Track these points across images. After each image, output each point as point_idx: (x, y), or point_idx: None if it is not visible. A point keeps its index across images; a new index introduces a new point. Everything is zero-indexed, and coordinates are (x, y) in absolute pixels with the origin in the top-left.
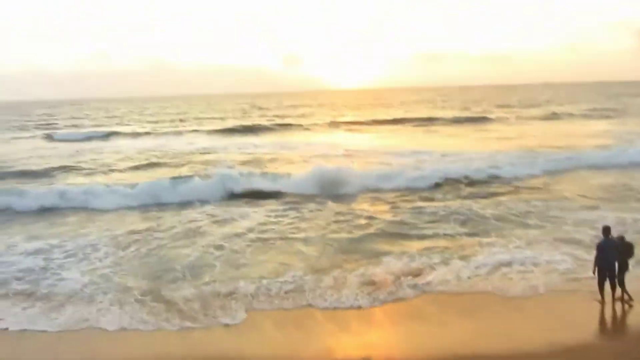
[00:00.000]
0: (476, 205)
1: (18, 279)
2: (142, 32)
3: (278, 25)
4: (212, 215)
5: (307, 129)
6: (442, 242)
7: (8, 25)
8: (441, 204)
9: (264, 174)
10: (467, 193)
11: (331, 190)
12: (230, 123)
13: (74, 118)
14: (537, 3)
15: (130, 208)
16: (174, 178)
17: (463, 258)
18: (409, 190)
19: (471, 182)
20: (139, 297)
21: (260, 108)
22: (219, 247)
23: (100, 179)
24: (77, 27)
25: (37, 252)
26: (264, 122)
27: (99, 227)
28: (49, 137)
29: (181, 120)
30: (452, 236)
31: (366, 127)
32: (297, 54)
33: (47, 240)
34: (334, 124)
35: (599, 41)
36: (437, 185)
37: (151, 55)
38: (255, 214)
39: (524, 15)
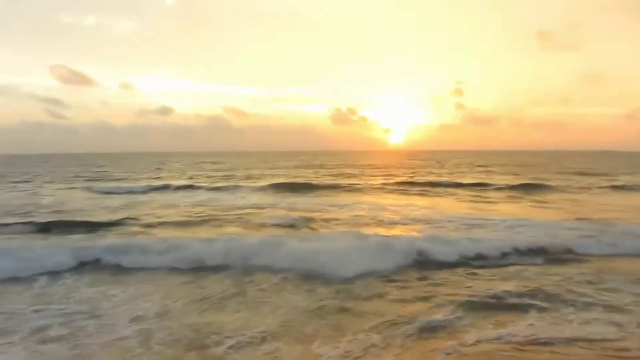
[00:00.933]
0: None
1: None
2: (205, 85)
3: (329, 81)
4: None
5: (359, 189)
6: None
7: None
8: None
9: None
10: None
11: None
12: (288, 179)
13: (126, 171)
14: (593, 67)
15: None
16: None
17: None
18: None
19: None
20: None
21: (317, 166)
22: None
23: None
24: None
25: None
26: (320, 179)
27: None
28: (89, 189)
29: (232, 176)
30: None
31: (418, 189)
32: (349, 112)
33: None
34: (389, 185)
35: None
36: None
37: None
38: None
39: (576, 80)
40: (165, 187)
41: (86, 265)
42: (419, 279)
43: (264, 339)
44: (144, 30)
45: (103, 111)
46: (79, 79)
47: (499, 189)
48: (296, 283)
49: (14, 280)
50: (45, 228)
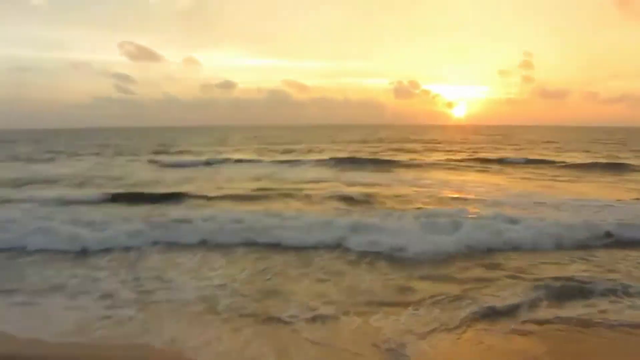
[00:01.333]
0: None
1: None
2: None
3: (391, 54)
4: None
5: (421, 165)
6: None
7: None
8: None
9: None
10: None
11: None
12: (350, 154)
13: (192, 144)
14: None
15: None
16: None
17: None
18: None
19: None
20: None
21: (379, 140)
22: None
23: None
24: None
25: None
26: (382, 155)
27: None
28: (154, 162)
29: (293, 150)
30: None
31: (483, 166)
32: (412, 85)
33: None
34: (458, 161)
35: None
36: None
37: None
38: None
39: None
40: (225, 161)
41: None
42: (489, 259)
43: (326, 310)
44: (207, 6)
45: (168, 86)
46: (145, 55)
47: (570, 166)
48: (368, 261)
49: (89, 248)
50: (115, 199)
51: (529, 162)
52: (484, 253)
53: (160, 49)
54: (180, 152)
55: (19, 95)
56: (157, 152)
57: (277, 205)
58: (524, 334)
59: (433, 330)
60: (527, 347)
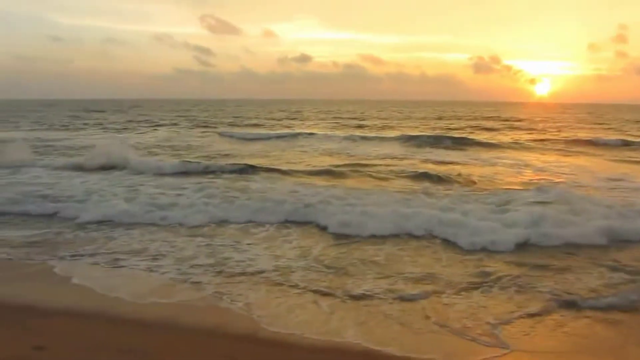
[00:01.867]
0: None
1: None
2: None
3: (470, 27)
4: None
5: (500, 145)
6: None
7: None
8: None
9: None
10: None
11: None
12: (425, 131)
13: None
14: None
15: None
16: None
17: None
18: None
19: None
20: None
21: (457, 117)
22: None
23: None
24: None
25: None
26: (461, 132)
27: None
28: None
29: (367, 126)
30: None
31: (565, 147)
32: (492, 61)
33: None
34: (544, 142)
35: None
36: None
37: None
38: None
39: None
40: (297, 135)
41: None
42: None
43: (405, 289)
44: None
45: (246, 59)
46: (225, 28)
47: None
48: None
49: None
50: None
51: (626, 143)
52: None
53: (240, 23)
54: (256, 125)
55: (105, 65)
56: (233, 125)
57: (353, 183)
58: (610, 322)
59: (518, 316)
60: (611, 335)
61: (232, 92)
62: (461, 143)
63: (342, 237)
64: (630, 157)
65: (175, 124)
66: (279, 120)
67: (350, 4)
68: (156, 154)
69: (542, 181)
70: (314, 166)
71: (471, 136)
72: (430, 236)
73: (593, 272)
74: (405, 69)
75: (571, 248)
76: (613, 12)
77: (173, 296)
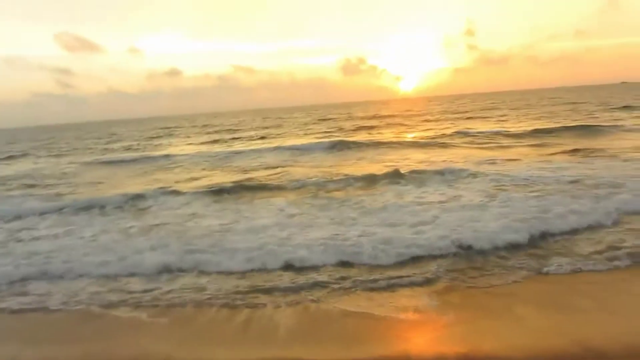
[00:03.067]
0: None
1: None
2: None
3: (337, 31)
4: None
5: (388, 143)
6: None
7: None
8: None
9: None
10: None
11: None
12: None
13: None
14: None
15: None
16: None
17: None
18: None
19: None
20: None
21: (338, 119)
22: None
23: None
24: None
25: None
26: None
27: None
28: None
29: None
30: None
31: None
32: (359, 62)
33: None
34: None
35: None
36: None
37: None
38: None
39: (591, 11)
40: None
41: None
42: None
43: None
44: None
45: (112, 78)
46: (85, 46)
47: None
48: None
49: None
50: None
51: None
52: None
53: (101, 40)
54: (127, 148)
55: None
56: (95, 150)
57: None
58: None
59: None
60: None
61: (100, 113)
62: (349, 146)
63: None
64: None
65: (32, 155)
66: (150, 139)
67: (218, 14)
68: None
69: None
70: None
71: (355, 137)
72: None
73: None
74: (277, 77)
75: None
76: (461, 7)
77: None
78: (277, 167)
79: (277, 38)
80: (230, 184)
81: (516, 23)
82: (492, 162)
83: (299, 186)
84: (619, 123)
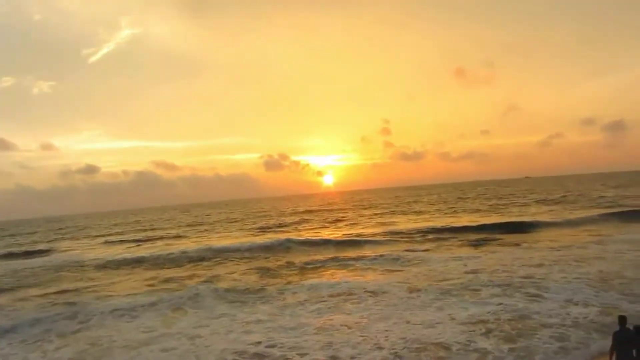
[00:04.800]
0: None
1: None
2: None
3: (258, 130)
4: None
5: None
6: None
7: None
8: None
9: None
10: None
11: None
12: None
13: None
14: (507, 101)
15: None
16: None
17: None
18: None
19: None
20: None
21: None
22: None
23: None
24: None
25: None
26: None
27: None
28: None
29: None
30: None
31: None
32: (281, 158)
33: None
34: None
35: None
36: None
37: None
38: None
39: (494, 113)
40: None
41: None
42: None
43: None
44: (64, 90)
45: (22, 175)
46: None
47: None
48: None
49: None
50: None
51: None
52: None
53: (13, 137)
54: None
55: None
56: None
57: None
58: None
59: None
60: None
61: (7, 212)
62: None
63: None
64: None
65: None
66: (54, 239)
67: (136, 113)
68: None
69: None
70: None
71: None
72: None
73: None
74: (199, 172)
75: None
76: (377, 109)
77: None
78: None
79: (198, 137)
80: None
81: (428, 123)
82: None
83: None
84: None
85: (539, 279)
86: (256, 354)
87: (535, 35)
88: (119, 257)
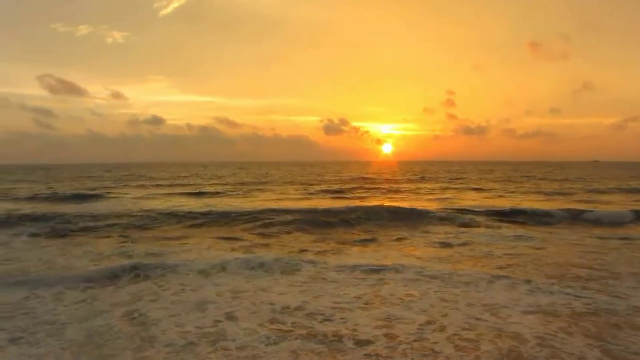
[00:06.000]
0: None
1: None
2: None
3: (321, 93)
4: None
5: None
6: None
7: None
8: None
9: None
10: None
11: None
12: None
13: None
14: (583, 78)
15: None
16: None
17: None
18: None
19: None
20: None
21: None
22: None
23: None
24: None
25: None
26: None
27: None
28: None
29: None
30: None
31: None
32: (341, 123)
33: None
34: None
35: None
36: None
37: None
38: None
39: (567, 91)
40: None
41: None
42: None
43: None
44: (136, 41)
45: (93, 121)
46: (68, 89)
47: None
48: None
49: None
50: None
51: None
52: None
53: (84, 84)
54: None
55: None
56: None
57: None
58: None
59: None
60: None
61: (79, 156)
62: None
63: None
64: None
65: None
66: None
67: (202, 68)
68: None
69: None
70: None
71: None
72: None
73: None
74: (259, 131)
75: None
76: (442, 79)
77: None
78: None
79: (258, 95)
80: None
81: (494, 97)
82: None
83: None
84: None
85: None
86: None
87: (617, 10)
88: (185, 209)
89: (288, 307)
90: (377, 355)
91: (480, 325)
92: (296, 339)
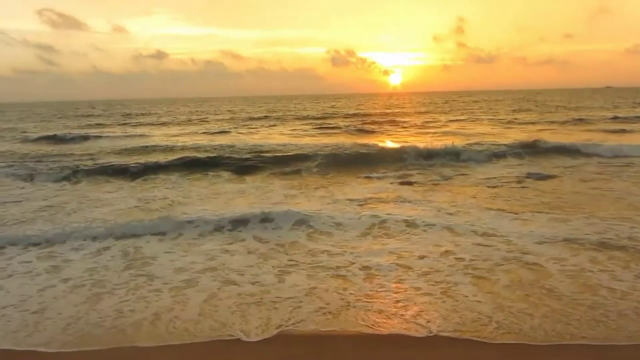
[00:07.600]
0: None
1: None
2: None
3: (327, 23)
4: None
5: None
6: None
7: None
8: None
9: None
10: None
11: None
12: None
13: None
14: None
15: None
16: None
17: None
18: None
19: None
20: None
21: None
22: None
23: None
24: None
25: None
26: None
27: None
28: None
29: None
30: None
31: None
32: (348, 54)
33: None
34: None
35: None
36: None
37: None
38: None
39: (580, 16)
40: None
41: None
42: None
43: None
44: None
45: (96, 57)
46: (68, 23)
47: None
48: None
49: None
50: None
51: None
52: None
53: (85, 18)
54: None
55: None
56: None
57: None
58: None
59: None
60: None
61: (82, 92)
62: None
63: None
64: None
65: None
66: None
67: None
68: None
69: None
70: None
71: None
72: None
73: None
74: (265, 65)
75: None
76: (452, 4)
77: None
78: None
79: (264, 26)
80: None
81: (506, 24)
82: None
83: None
84: None
85: None
86: None
87: None
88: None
89: None
90: None
91: None
92: None
